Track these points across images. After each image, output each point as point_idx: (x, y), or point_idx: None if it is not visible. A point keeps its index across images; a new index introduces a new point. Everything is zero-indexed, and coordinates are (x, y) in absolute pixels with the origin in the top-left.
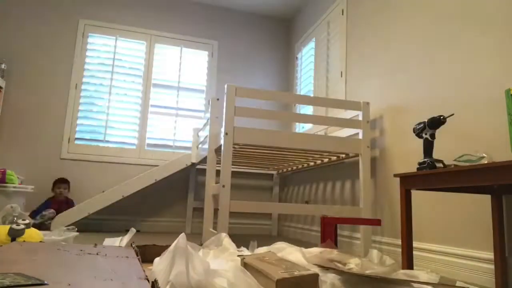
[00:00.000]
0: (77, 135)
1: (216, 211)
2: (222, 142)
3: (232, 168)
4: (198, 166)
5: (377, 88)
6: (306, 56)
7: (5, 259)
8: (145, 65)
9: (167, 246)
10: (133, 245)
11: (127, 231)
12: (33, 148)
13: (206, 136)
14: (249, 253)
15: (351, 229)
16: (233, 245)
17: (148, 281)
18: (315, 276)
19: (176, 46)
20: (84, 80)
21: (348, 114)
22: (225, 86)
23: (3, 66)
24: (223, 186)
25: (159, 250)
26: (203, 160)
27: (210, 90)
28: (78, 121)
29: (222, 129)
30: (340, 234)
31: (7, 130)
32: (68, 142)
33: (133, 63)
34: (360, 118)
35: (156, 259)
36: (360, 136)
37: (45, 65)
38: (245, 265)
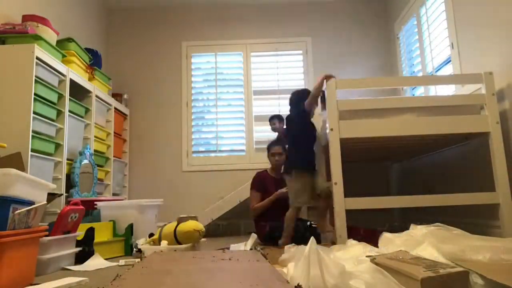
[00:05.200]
0: (193, 149)
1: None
2: (328, 138)
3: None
4: None
5: (502, 55)
6: (408, 34)
7: (157, 268)
8: (244, 74)
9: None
10: (258, 249)
11: (249, 234)
12: (157, 164)
13: None
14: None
15: (488, 216)
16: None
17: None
18: (465, 274)
19: (271, 50)
20: (193, 97)
21: (467, 90)
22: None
23: (125, 96)
24: (335, 183)
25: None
26: None
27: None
28: (193, 136)
29: (327, 125)
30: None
31: (135, 150)
32: (187, 156)
33: (233, 75)
34: (483, 91)
35: (290, 264)
36: (486, 112)
37: (158, 89)
38: (376, 265)
